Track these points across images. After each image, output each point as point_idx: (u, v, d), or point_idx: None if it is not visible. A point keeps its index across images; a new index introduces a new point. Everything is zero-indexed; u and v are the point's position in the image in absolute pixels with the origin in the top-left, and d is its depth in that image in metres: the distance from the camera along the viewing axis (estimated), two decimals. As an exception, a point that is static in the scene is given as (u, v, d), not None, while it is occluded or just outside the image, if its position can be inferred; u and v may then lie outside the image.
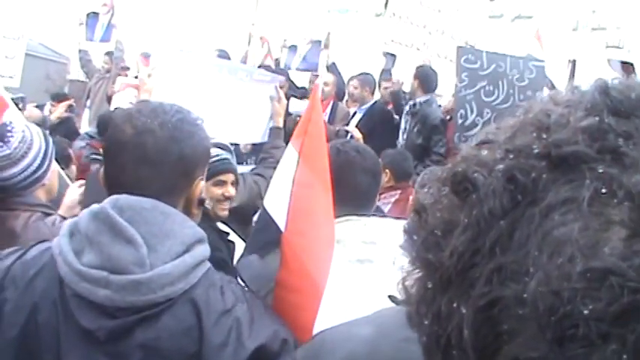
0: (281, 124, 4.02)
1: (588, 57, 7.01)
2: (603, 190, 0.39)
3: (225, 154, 3.04)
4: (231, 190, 2.99)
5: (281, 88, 4.56)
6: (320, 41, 8.54)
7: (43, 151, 2.60)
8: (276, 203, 2.01)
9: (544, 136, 0.43)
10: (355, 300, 1.89)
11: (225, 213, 3.00)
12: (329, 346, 1.12)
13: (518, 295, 0.39)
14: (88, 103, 8.61)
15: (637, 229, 0.38)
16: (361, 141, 4.63)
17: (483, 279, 0.41)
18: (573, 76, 7.04)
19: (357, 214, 2.11)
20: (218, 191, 2.95)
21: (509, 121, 0.48)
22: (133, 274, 1.40)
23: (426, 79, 6.73)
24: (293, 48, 9.05)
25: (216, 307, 1.45)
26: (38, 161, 2.57)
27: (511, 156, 0.44)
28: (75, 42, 9.36)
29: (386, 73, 7.93)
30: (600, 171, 0.40)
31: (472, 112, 6.00)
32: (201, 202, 1.59)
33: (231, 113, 3.95)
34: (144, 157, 1.48)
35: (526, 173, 0.42)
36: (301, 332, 1.78)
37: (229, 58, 8.23)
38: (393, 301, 1.15)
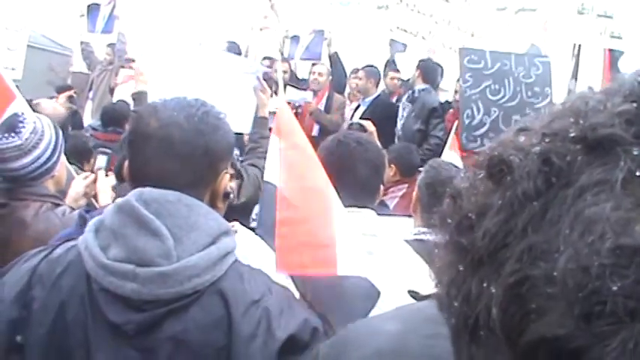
0: (267, 114, 4.03)
1: (593, 43, 6.99)
2: (637, 173, 0.40)
3: None
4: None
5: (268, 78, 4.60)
6: (322, 31, 8.54)
7: (53, 142, 2.62)
8: (271, 172, 2.07)
9: (581, 121, 0.44)
10: None
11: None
12: (355, 341, 1.11)
13: (547, 274, 0.40)
14: (91, 95, 8.62)
15: None
16: (374, 134, 4.64)
17: (514, 258, 0.42)
18: (578, 61, 7.03)
19: (357, 206, 2.11)
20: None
21: (549, 111, 0.49)
22: (160, 266, 1.40)
23: (427, 71, 6.85)
24: (295, 38, 9.06)
25: (244, 298, 1.44)
26: (49, 152, 2.59)
27: (547, 140, 0.45)
28: (77, 34, 9.36)
29: (390, 64, 7.96)
30: (635, 153, 0.41)
31: (479, 111, 5.97)
32: (227, 195, 1.60)
33: (218, 103, 3.96)
34: (170, 149, 1.48)
35: (561, 156, 0.43)
36: (325, 266, 1.81)
37: (239, 50, 8.25)
38: (413, 297, 1.16)
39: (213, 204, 1.56)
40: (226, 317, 1.42)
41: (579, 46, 7.09)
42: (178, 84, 3.55)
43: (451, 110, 6.70)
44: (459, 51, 6.16)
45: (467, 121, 5.89)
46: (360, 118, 6.92)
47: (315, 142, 2.30)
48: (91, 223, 1.51)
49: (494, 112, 5.95)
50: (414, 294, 1.17)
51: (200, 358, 1.42)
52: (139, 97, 3.87)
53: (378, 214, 2.25)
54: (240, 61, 4.60)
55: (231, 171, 2.84)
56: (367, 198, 2.16)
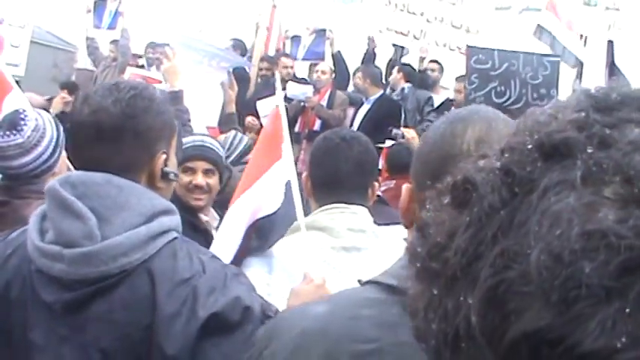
0: (234, 110, 4.05)
1: (598, 35, 6.96)
2: (594, 168, 0.42)
3: (198, 141, 2.91)
4: (200, 180, 2.84)
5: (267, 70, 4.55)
6: (324, 30, 8.55)
7: (55, 139, 2.61)
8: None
9: (535, 135, 0.46)
10: (338, 288, 1.93)
11: (199, 203, 2.86)
12: (286, 324, 1.18)
13: (522, 273, 0.41)
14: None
15: (628, 199, 0.41)
16: (416, 140, 4.71)
17: (487, 265, 0.43)
18: (582, 62, 7.01)
19: (345, 203, 2.11)
20: (186, 179, 2.80)
21: (503, 137, 0.51)
22: (83, 246, 1.44)
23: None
24: (296, 38, 9.06)
25: (173, 276, 1.47)
26: (50, 150, 2.58)
27: (506, 154, 0.47)
28: (82, 30, 9.37)
29: (395, 63, 8.02)
30: (590, 151, 0.43)
31: None
32: (165, 175, 1.61)
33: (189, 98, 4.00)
34: (100, 135, 1.52)
35: (522, 166, 0.45)
36: None
37: (245, 48, 8.25)
38: (359, 284, 1.19)
39: (152, 184, 1.59)
40: (151, 295, 1.44)
41: (585, 41, 7.07)
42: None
43: (452, 108, 6.73)
44: (466, 50, 6.14)
45: None
46: (364, 117, 6.98)
47: (317, 136, 2.44)
48: (39, 208, 1.56)
49: None
50: (359, 282, 1.20)
51: (126, 336, 1.45)
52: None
53: (374, 212, 2.25)
54: (225, 54, 4.61)
55: (202, 165, 2.86)
56: (354, 195, 2.14)
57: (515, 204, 0.44)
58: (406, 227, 1.21)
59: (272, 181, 2.27)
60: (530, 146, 0.46)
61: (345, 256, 2.05)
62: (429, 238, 0.50)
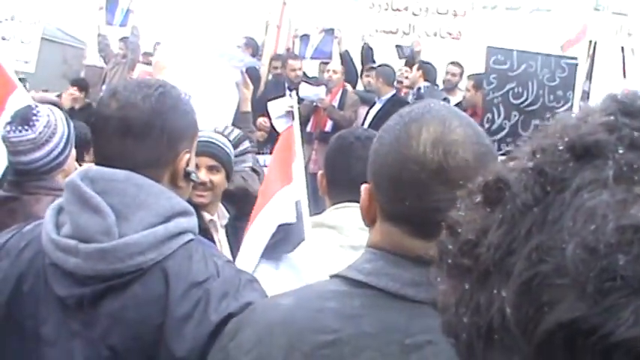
0: (249, 109, 4.05)
1: (608, 40, 6.95)
2: (625, 168, 0.44)
3: (204, 138, 2.81)
4: (202, 176, 2.76)
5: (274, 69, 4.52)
6: (332, 29, 8.56)
7: (66, 136, 2.62)
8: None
9: (566, 137, 0.48)
10: None
11: (201, 200, 2.79)
12: (255, 315, 1.20)
13: (557, 266, 0.43)
14: (104, 88, 8.66)
15: None
16: None
17: (522, 259, 0.44)
18: (592, 62, 6.99)
19: (357, 201, 2.10)
20: None
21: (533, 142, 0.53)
22: (100, 242, 1.43)
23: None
24: (305, 37, 9.07)
25: (187, 278, 1.46)
26: (61, 146, 2.59)
27: (538, 155, 0.49)
28: (93, 26, 9.39)
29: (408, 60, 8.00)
30: (621, 152, 0.45)
31: (499, 115, 5.96)
32: (187, 174, 1.61)
33: (202, 98, 4.00)
34: (127, 130, 1.51)
35: (554, 166, 0.47)
36: None
37: (257, 46, 8.26)
38: (330, 276, 1.21)
39: (174, 183, 1.58)
40: (164, 296, 1.43)
41: (594, 46, 7.06)
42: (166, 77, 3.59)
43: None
44: (486, 50, 6.16)
45: (486, 126, 5.88)
46: (375, 117, 6.98)
47: (328, 137, 2.49)
48: (56, 202, 1.56)
49: (515, 116, 5.94)
50: (333, 274, 1.22)
51: (136, 335, 1.44)
52: (245, 117, 3.91)
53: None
54: (233, 52, 4.61)
55: (208, 162, 2.83)
56: None
57: (547, 201, 0.45)
58: (367, 226, 1.24)
59: (283, 202, 2.36)
60: (561, 147, 0.48)
61: (352, 254, 2.04)
62: (460, 236, 0.51)
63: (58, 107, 4.44)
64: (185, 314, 1.43)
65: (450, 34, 7.27)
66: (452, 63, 7.54)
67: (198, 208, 2.82)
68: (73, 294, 1.46)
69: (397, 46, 8.02)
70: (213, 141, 2.92)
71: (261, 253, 2.25)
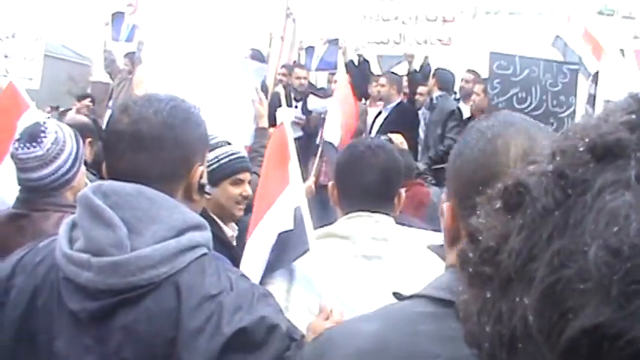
0: (266, 125, 4.07)
1: (615, 44, 6.94)
2: None
3: (242, 152, 2.93)
4: (248, 190, 2.85)
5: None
6: (337, 39, 8.57)
7: (74, 153, 2.61)
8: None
9: (586, 139, 0.46)
10: (358, 295, 1.91)
11: (241, 213, 2.87)
12: (336, 342, 1.12)
13: (579, 271, 0.41)
14: (110, 104, 8.69)
15: None
16: (404, 145, 4.67)
17: (544, 265, 0.43)
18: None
19: (369, 211, 2.10)
20: (236, 191, 2.80)
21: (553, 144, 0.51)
22: (112, 256, 1.42)
23: (443, 79, 7.09)
24: (310, 49, 9.09)
25: (200, 291, 1.45)
26: (69, 163, 2.58)
27: (558, 158, 0.47)
28: (99, 43, 9.44)
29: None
30: None
31: None
32: (202, 187, 1.61)
33: (220, 117, 4.00)
34: (140, 144, 1.51)
35: (575, 168, 0.45)
36: None
37: (263, 58, 8.29)
38: (397, 298, 1.16)
39: (188, 197, 1.58)
40: (177, 309, 1.42)
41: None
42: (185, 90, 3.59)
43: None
44: (489, 56, 6.20)
45: None
46: (382, 125, 6.96)
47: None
48: (71, 217, 1.56)
49: None
50: (397, 295, 1.17)
51: (149, 349, 1.43)
52: (262, 133, 3.93)
53: (400, 223, 2.23)
54: (247, 66, 4.60)
55: (248, 177, 2.86)
56: (378, 203, 2.13)
57: (569, 204, 0.44)
58: (449, 246, 1.17)
59: (282, 209, 2.29)
60: (582, 149, 0.46)
61: (365, 264, 2.03)
62: (480, 243, 0.50)
63: (90, 126, 4.48)
64: (197, 327, 1.42)
65: (441, 41, 7.32)
66: (468, 70, 7.45)
67: (225, 222, 2.85)
68: (86, 308, 1.46)
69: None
70: (244, 155, 2.94)
71: (265, 264, 2.21)
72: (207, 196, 2.51)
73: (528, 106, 5.95)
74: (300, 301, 2.05)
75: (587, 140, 0.46)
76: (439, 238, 2.78)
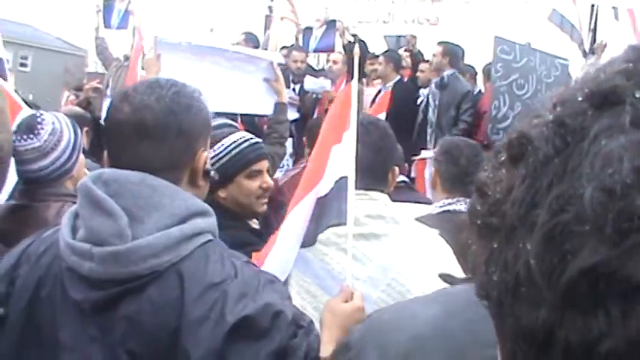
0: (285, 100, 4.02)
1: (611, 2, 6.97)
2: None
3: (252, 137, 2.58)
4: (268, 180, 2.54)
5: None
6: (334, 21, 8.52)
7: (72, 142, 2.61)
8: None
9: (586, 88, 0.48)
10: (355, 274, 1.89)
11: (264, 207, 2.53)
12: (394, 325, 1.08)
13: (577, 214, 0.43)
14: (109, 92, 8.63)
15: None
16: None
17: (544, 212, 0.45)
18: (594, 37, 7.01)
19: (365, 189, 2.07)
20: (254, 184, 2.48)
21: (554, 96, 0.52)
22: (113, 245, 1.41)
23: (454, 54, 6.88)
24: (308, 30, 9.03)
25: (203, 280, 1.43)
26: (67, 153, 2.58)
27: (558, 108, 0.49)
28: (92, 31, 9.35)
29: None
30: (638, 96, 0.44)
31: (504, 104, 6.07)
32: (207, 173, 1.59)
33: (235, 86, 3.95)
34: (144, 133, 1.48)
35: (574, 117, 0.47)
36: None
37: (257, 42, 8.24)
38: (445, 281, 1.12)
39: (193, 184, 1.56)
40: (180, 299, 1.41)
41: (595, 21, 7.11)
42: (193, 75, 3.50)
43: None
44: (493, 40, 6.26)
45: (494, 112, 6.05)
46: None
47: None
48: (74, 207, 1.54)
49: (518, 107, 6.13)
50: (448, 278, 1.13)
51: (153, 338, 1.41)
52: (281, 108, 3.88)
53: (396, 200, 2.21)
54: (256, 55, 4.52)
55: (266, 165, 2.53)
56: (374, 181, 2.11)
57: (568, 152, 0.45)
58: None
59: (331, 166, 2.06)
60: (580, 98, 0.47)
61: (364, 244, 2.01)
62: (488, 196, 0.51)
63: (86, 117, 4.45)
64: (201, 316, 1.40)
65: (428, 20, 7.31)
66: (438, 43, 7.29)
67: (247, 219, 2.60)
68: (89, 298, 1.45)
69: (386, 36, 8.00)
70: (255, 140, 2.60)
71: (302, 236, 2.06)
72: (222, 197, 2.41)
73: (526, 92, 6.10)
74: (297, 282, 2.04)
75: (585, 90, 0.48)
76: (425, 209, 2.79)
